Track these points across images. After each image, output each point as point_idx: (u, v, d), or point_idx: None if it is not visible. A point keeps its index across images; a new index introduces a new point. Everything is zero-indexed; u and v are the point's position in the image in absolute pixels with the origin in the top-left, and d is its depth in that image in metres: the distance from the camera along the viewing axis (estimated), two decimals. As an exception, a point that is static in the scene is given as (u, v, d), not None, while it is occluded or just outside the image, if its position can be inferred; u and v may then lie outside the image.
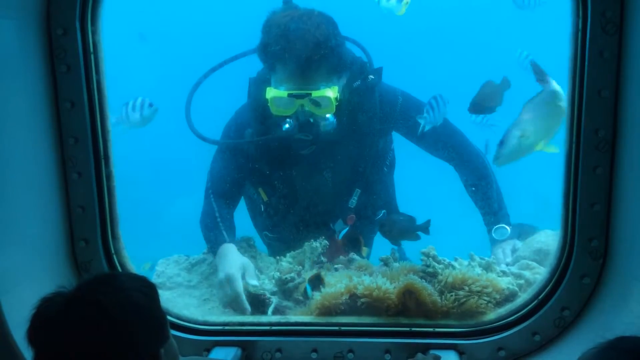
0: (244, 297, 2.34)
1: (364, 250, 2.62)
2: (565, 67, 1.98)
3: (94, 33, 2.09)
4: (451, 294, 2.20)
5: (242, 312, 2.33)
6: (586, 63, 1.89)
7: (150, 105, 2.80)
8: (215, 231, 2.64)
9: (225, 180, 2.80)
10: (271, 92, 2.56)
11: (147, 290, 1.42)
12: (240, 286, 2.35)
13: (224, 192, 2.78)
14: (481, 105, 2.56)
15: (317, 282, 2.33)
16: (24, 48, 1.95)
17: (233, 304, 2.36)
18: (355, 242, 2.62)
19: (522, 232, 2.59)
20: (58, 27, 2.02)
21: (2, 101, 1.84)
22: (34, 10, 1.97)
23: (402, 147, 3.01)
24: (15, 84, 1.91)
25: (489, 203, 2.70)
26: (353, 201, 2.88)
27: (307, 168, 2.83)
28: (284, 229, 2.96)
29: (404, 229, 2.53)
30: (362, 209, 2.92)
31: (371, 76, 2.71)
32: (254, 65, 2.74)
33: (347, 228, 2.78)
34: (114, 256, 2.25)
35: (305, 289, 2.34)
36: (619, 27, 1.84)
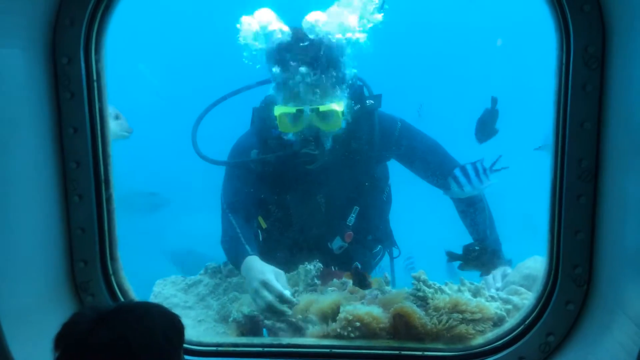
0: (288, 293, 2.35)
1: (372, 282, 2.53)
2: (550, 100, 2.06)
3: (97, 62, 2.16)
4: (442, 318, 2.24)
5: (284, 311, 2.33)
6: (569, 96, 1.96)
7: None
8: (237, 245, 2.66)
9: (240, 197, 2.85)
10: (280, 110, 2.64)
11: (173, 335, 1.47)
12: (279, 286, 2.35)
13: (239, 209, 2.83)
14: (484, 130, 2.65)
15: None
16: (31, 75, 2.02)
17: (272, 307, 2.34)
18: (361, 278, 2.54)
19: None
20: (63, 56, 2.10)
21: (9, 126, 1.90)
22: (41, 40, 2.04)
23: (397, 171, 3.07)
24: (21, 109, 1.97)
25: (480, 229, 2.76)
26: (351, 219, 2.92)
27: (309, 185, 2.89)
28: (283, 251, 2.98)
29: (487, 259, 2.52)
30: (359, 229, 2.96)
31: (371, 101, 2.80)
32: (257, 97, 2.85)
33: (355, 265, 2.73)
34: (112, 277, 2.29)
35: None
36: (600, 62, 1.91)
